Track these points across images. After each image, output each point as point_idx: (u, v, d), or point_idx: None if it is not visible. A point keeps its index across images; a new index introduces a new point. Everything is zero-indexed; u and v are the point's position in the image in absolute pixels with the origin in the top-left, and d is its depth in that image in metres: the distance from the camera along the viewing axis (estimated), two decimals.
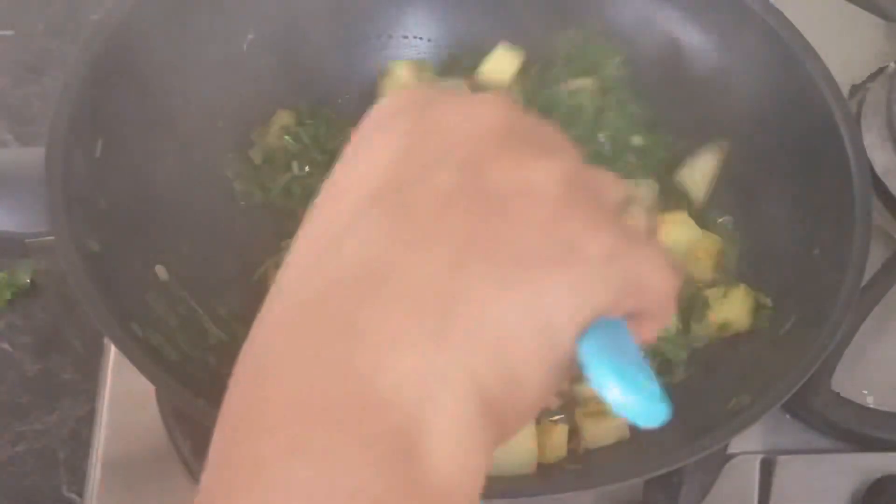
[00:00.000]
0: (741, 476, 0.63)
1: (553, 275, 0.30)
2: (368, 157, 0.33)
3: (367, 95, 0.70)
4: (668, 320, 0.36)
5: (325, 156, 0.67)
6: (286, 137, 0.67)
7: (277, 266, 0.33)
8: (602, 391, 0.31)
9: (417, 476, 0.28)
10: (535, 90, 0.69)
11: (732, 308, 0.63)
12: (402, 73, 0.69)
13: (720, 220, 0.68)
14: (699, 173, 0.68)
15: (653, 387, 0.31)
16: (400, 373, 0.28)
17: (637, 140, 0.69)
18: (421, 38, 0.73)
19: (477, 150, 0.31)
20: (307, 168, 0.66)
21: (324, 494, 0.27)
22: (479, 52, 0.71)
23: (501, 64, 0.70)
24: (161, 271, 0.60)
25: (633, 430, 0.60)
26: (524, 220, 0.30)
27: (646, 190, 0.66)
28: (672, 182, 0.69)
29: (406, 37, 0.73)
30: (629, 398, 0.31)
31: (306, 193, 0.65)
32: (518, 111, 0.34)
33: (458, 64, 0.72)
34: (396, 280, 0.29)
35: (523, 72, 0.71)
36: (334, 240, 0.31)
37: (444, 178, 0.31)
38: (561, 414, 0.61)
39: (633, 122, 0.69)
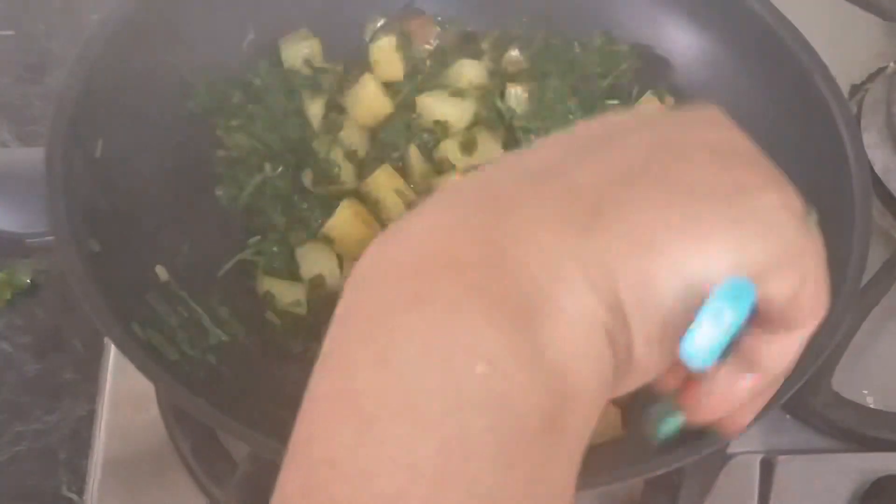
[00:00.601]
0: (741, 476, 0.62)
1: (716, 206, 0.29)
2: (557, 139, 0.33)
3: None
4: (798, 346, 0.33)
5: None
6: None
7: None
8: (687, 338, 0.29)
9: (536, 345, 0.27)
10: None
11: None
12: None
13: None
14: None
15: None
16: (539, 246, 0.28)
17: None
18: None
19: (658, 121, 0.33)
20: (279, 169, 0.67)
21: (442, 347, 0.26)
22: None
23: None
24: (161, 271, 0.60)
25: (628, 426, 0.60)
26: (702, 161, 0.30)
27: None
28: None
29: None
30: (699, 352, 0.29)
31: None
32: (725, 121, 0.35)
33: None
34: (563, 178, 0.29)
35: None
36: (515, 157, 0.31)
37: (638, 135, 0.31)
38: None
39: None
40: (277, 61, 0.70)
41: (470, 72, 0.71)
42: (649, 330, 0.29)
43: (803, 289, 0.31)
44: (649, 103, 0.69)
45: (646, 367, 0.30)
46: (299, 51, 0.70)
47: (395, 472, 0.25)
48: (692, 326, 0.29)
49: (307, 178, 0.67)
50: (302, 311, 0.63)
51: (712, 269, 0.29)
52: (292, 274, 0.64)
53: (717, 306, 0.29)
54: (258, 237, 0.65)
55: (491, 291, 0.27)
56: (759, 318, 0.31)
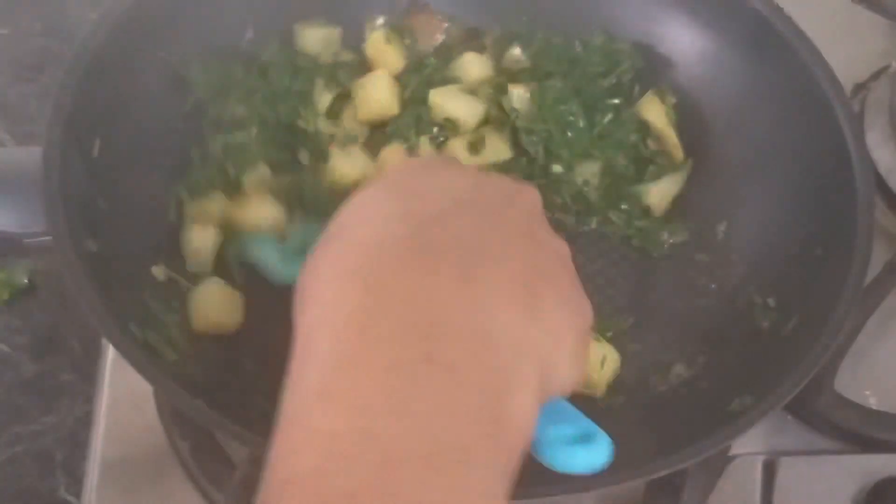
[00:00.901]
0: (743, 477, 0.62)
1: (581, 331, 0.41)
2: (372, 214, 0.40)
3: None
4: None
5: None
6: None
7: None
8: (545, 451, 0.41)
9: (511, 410, 0.35)
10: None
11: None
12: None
13: (717, 226, 0.68)
14: (658, 196, 0.68)
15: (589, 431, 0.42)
16: (506, 329, 0.36)
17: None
18: None
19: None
20: None
21: (451, 405, 0.32)
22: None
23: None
24: (158, 271, 0.59)
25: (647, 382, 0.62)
26: (561, 279, 0.41)
27: None
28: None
29: None
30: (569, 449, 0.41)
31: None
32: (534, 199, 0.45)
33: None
34: (494, 270, 0.37)
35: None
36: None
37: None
38: None
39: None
40: (287, 41, 0.69)
41: (475, 66, 0.70)
42: (555, 389, 0.39)
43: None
44: (651, 102, 0.69)
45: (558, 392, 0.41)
46: (317, 36, 0.69)
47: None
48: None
49: (303, 157, 0.66)
50: None
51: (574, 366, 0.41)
52: None
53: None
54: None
55: (482, 362, 0.34)
56: None
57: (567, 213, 0.68)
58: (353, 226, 0.39)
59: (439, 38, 0.72)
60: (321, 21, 0.70)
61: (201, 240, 0.61)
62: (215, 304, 0.59)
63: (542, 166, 0.68)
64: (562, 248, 0.43)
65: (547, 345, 0.38)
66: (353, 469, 0.30)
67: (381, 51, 0.70)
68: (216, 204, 0.63)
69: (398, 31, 0.71)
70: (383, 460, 0.30)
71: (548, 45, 0.71)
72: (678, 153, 0.69)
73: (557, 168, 0.68)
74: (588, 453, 0.42)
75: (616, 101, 0.69)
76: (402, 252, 0.36)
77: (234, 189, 0.63)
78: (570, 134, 0.68)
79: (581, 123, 0.68)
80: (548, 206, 0.67)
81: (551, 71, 0.69)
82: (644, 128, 0.69)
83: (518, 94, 0.68)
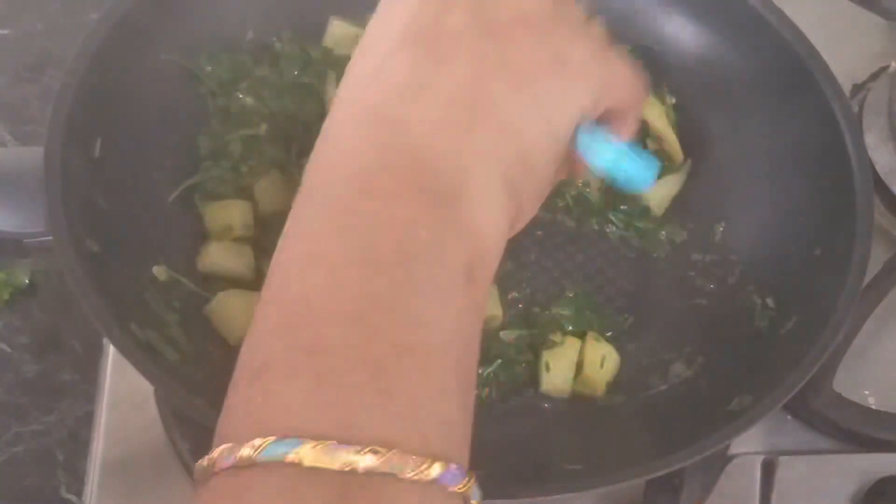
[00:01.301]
0: (742, 477, 0.62)
1: (547, 79, 0.40)
2: (391, 12, 0.42)
3: None
4: (639, 115, 0.47)
5: None
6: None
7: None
8: (600, 160, 0.43)
9: (457, 219, 0.37)
10: None
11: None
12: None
13: (716, 226, 0.68)
14: (658, 196, 0.68)
15: (641, 151, 0.44)
16: (443, 148, 0.38)
17: None
18: None
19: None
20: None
21: (387, 221, 0.36)
22: None
23: None
24: (160, 272, 0.59)
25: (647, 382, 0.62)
26: (521, 39, 0.40)
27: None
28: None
29: None
30: (625, 159, 0.43)
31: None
32: None
33: None
34: (430, 90, 0.38)
35: None
36: (374, 73, 0.40)
37: (456, 18, 0.40)
38: None
39: None
40: (297, 28, 0.69)
41: None
42: (534, 185, 0.41)
43: (621, 92, 0.44)
44: (650, 103, 0.69)
45: (532, 208, 0.42)
46: (339, 32, 0.69)
47: (352, 301, 0.34)
48: (586, 156, 0.43)
49: (293, 149, 0.66)
50: None
51: (563, 122, 0.41)
52: None
53: (585, 138, 0.43)
54: None
55: (418, 183, 0.37)
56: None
57: (568, 215, 0.68)
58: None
59: None
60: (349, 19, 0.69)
61: (221, 256, 0.61)
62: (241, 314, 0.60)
63: None
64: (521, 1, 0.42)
65: (498, 145, 0.39)
66: (302, 279, 0.35)
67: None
68: (237, 213, 0.63)
69: None
70: (327, 270, 0.35)
71: None
72: (678, 154, 0.69)
73: None
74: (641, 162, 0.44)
75: None
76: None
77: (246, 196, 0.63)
78: None
79: None
80: (549, 208, 0.67)
81: None
82: (643, 128, 0.69)
83: None
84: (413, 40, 0.40)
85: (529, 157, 0.40)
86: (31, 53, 0.83)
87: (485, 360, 0.62)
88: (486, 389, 0.62)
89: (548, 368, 0.61)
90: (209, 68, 0.65)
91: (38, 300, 0.72)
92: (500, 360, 0.62)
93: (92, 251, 0.55)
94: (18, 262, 0.72)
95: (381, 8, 0.43)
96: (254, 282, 0.61)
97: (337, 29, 0.69)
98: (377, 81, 0.40)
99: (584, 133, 0.43)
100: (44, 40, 0.84)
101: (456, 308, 0.36)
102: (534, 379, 0.62)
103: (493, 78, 0.39)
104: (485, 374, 0.61)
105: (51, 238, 0.53)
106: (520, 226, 0.42)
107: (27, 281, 0.72)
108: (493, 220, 0.38)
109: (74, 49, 0.58)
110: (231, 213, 0.62)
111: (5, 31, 0.84)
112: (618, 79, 0.43)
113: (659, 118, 0.69)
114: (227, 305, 0.60)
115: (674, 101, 0.70)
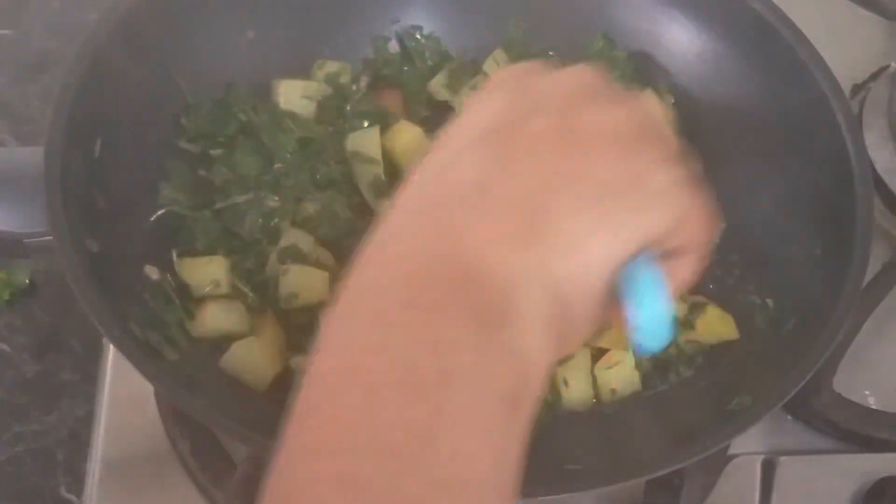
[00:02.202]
0: (742, 477, 0.62)
1: (620, 199, 0.37)
2: (476, 111, 0.39)
3: None
4: (704, 262, 0.42)
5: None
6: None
7: None
8: (626, 305, 0.38)
9: (504, 341, 0.34)
10: None
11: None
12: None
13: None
14: None
15: (665, 313, 0.39)
16: (495, 262, 0.35)
17: None
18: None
19: (566, 102, 0.38)
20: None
21: (430, 339, 0.33)
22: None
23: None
24: (152, 271, 0.59)
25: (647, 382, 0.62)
26: (602, 154, 0.37)
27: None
28: None
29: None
30: (643, 317, 0.38)
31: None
32: (599, 75, 0.40)
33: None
34: (493, 196, 0.36)
35: None
36: (443, 168, 0.38)
37: (540, 122, 0.37)
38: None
39: None
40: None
41: None
42: (585, 308, 0.38)
43: (692, 232, 0.40)
44: (648, 100, 0.69)
45: (585, 331, 0.39)
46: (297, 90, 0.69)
47: (389, 429, 0.32)
48: (621, 289, 0.38)
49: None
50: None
51: (625, 251, 0.37)
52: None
53: (630, 272, 0.38)
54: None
55: (465, 300, 0.34)
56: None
57: None
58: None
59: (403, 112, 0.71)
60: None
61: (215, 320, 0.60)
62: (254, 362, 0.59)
63: None
64: (611, 115, 0.38)
65: (554, 262, 0.36)
66: (337, 398, 0.33)
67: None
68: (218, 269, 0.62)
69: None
70: (364, 390, 0.32)
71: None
72: None
73: None
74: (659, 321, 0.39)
75: None
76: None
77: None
78: None
79: None
80: None
81: None
82: None
83: None
84: (489, 139, 0.38)
85: (584, 278, 0.37)
86: (31, 54, 0.83)
87: None
88: None
89: (566, 384, 0.61)
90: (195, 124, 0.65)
91: (38, 300, 0.72)
92: None
93: (92, 251, 0.55)
94: (19, 262, 0.72)
95: (469, 103, 0.41)
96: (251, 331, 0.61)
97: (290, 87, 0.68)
98: (443, 177, 0.37)
99: (634, 268, 0.38)
100: (44, 40, 0.84)
101: (497, 438, 0.34)
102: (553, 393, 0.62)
103: (562, 190, 0.36)
104: None
105: (51, 238, 0.53)
106: (568, 350, 0.39)
107: (27, 281, 0.72)
108: (539, 342, 0.36)
109: (74, 49, 0.58)
110: (214, 269, 0.61)
111: (5, 31, 0.84)
112: (693, 216, 0.40)
113: (657, 114, 0.69)
114: (242, 357, 0.59)
115: (672, 100, 0.70)
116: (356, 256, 0.37)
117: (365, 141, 0.66)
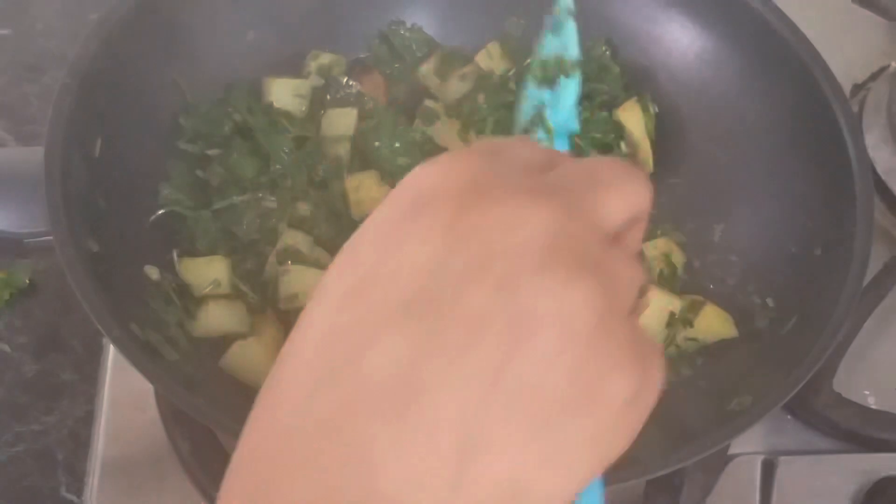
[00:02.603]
0: (742, 476, 0.62)
1: (575, 427, 0.29)
2: (399, 255, 0.30)
3: None
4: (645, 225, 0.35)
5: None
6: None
7: None
8: None
9: None
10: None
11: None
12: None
13: (716, 227, 0.68)
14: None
15: None
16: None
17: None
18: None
19: (514, 267, 0.29)
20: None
21: None
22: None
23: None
24: (152, 271, 0.59)
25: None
26: (552, 357, 0.28)
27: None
28: None
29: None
30: None
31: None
32: (567, 213, 0.30)
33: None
34: (414, 413, 0.28)
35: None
36: (355, 350, 0.29)
37: (479, 300, 0.28)
38: None
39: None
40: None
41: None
42: None
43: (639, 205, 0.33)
44: (631, 109, 0.69)
45: None
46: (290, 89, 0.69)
47: None
48: None
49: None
50: None
51: (578, 490, 0.30)
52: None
53: None
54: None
55: None
56: None
57: None
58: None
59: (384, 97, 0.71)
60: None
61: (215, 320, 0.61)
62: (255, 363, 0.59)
63: None
64: (571, 306, 0.29)
65: (503, 500, 0.28)
66: None
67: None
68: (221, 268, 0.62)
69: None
70: None
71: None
72: (649, 164, 0.69)
73: None
74: None
75: (605, 115, 0.69)
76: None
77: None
78: None
79: None
80: None
81: None
82: (618, 131, 0.69)
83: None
84: (413, 313, 0.29)
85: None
86: (31, 54, 0.83)
87: None
88: None
89: None
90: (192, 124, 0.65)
91: (38, 300, 0.72)
92: None
93: (92, 251, 0.55)
94: (19, 262, 0.72)
95: (376, 229, 0.31)
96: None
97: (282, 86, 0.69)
98: (343, 377, 0.29)
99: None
100: (44, 40, 0.84)
101: None
102: None
103: (502, 413, 0.28)
104: None
105: (51, 238, 0.53)
106: None
107: (27, 281, 0.72)
108: None
109: (74, 49, 0.58)
110: (214, 269, 0.62)
111: (5, 31, 0.84)
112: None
113: (637, 126, 0.69)
114: (242, 357, 0.59)
115: (656, 110, 0.70)
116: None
117: (339, 121, 0.67)
